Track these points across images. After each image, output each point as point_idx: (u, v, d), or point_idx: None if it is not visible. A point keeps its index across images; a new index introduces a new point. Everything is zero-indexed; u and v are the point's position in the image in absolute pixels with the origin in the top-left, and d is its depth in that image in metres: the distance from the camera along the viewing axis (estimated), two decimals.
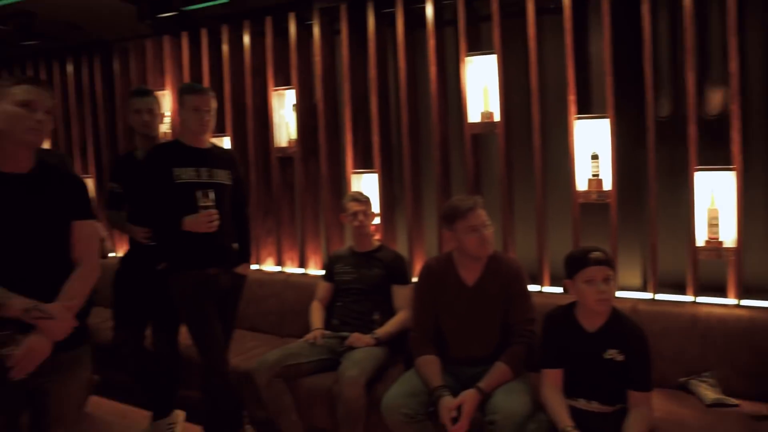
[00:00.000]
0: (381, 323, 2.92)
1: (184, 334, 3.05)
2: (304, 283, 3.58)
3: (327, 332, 2.93)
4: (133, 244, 2.99)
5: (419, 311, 2.52)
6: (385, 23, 3.48)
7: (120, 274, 3.04)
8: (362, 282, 2.99)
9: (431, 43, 3.24)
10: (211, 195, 2.52)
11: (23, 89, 1.71)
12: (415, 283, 2.58)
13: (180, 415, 3.06)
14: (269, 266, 3.98)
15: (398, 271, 3.02)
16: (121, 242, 4.43)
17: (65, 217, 1.81)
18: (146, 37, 4.31)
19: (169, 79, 4.22)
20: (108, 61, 4.63)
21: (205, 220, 2.51)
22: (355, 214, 2.99)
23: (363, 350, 2.74)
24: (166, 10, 3.59)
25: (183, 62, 4.14)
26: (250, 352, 3.24)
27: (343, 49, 3.48)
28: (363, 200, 3.02)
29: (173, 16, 3.64)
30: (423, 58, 3.41)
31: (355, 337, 2.80)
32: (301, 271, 3.84)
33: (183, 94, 2.64)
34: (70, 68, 4.81)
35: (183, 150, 2.65)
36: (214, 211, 2.52)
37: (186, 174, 2.60)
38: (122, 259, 3.08)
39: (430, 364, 2.37)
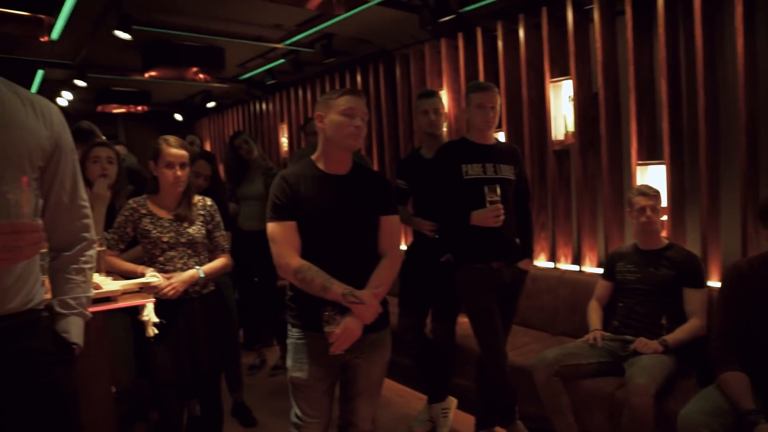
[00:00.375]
0: (668, 329, 2.65)
1: (461, 325, 3.20)
2: (579, 281, 3.44)
3: (607, 334, 2.78)
4: (418, 237, 3.21)
5: (726, 320, 2.19)
6: None
7: (405, 265, 3.29)
8: (648, 282, 2.75)
9: (738, 10, 2.78)
10: (498, 190, 2.58)
11: (345, 99, 1.95)
12: (720, 287, 2.26)
13: (453, 401, 3.19)
14: (542, 262, 3.91)
15: (692, 272, 2.70)
16: (406, 236, 4.78)
17: (376, 212, 2.03)
18: (425, 41, 4.60)
19: (446, 80, 4.43)
20: (391, 68, 5.07)
21: (492, 214, 2.59)
22: (642, 209, 2.76)
23: (650, 357, 2.52)
24: (445, 15, 3.77)
25: (459, 62, 4.30)
26: (524, 347, 3.23)
27: (627, 31, 3.21)
28: (652, 194, 2.76)
29: (451, 19, 3.80)
30: (724, 32, 2.96)
31: (642, 342, 2.58)
32: (575, 268, 3.68)
33: (469, 92, 2.76)
34: (359, 78, 5.41)
35: (470, 147, 2.76)
36: (500, 206, 2.58)
37: (473, 170, 2.70)
38: (407, 251, 3.33)
39: (738, 382, 2.05)
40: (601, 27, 3.36)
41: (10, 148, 1.29)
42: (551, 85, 3.67)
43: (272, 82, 6.01)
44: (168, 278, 2.37)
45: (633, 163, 3.27)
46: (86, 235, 1.55)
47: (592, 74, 3.55)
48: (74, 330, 1.46)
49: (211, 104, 7.53)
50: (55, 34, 4.31)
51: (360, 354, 2.01)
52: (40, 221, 1.17)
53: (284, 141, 6.70)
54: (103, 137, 3.73)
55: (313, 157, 2.06)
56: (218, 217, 2.60)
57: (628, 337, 2.70)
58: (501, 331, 2.73)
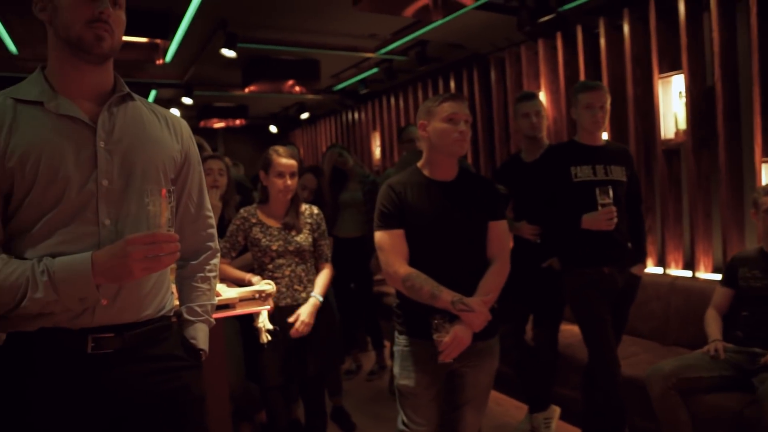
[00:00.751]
0: None
1: (563, 332, 3.07)
2: (693, 288, 3.21)
3: (729, 345, 2.56)
4: (518, 242, 3.13)
5: None
6: None
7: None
8: None
9: None
10: (611, 192, 2.48)
11: (448, 105, 1.94)
12: None
13: (556, 410, 3.07)
14: (650, 267, 3.68)
15: None
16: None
17: (484, 218, 1.99)
18: (520, 43, 4.50)
19: (543, 82, 4.31)
20: (485, 73, 5.00)
21: (605, 217, 2.48)
22: None
23: None
24: (545, 14, 3.67)
25: (558, 63, 4.17)
26: (633, 357, 3.05)
27: (751, 17, 2.97)
28: None
29: (551, 19, 3.70)
30: None
31: None
32: (688, 273, 3.44)
33: (577, 92, 2.66)
34: (452, 84, 5.38)
35: (579, 149, 2.67)
36: (613, 208, 2.48)
37: (583, 172, 2.60)
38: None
39: None
40: (718, 14, 3.14)
41: (152, 162, 1.35)
42: (660, 80, 3.47)
43: (366, 91, 6.10)
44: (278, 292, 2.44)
45: (757, 161, 3.01)
46: (211, 244, 1.60)
47: (707, 66, 3.32)
48: (201, 336, 1.51)
49: (304, 115, 7.76)
50: (168, 56, 4.62)
51: (468, 362, 1.97)
52: (174, 232, 1.22)
53: (377, 149, 6.79)
54: (209, 150, 3.93)
55: (419, 164, 2.06)
56: (324, 226, 2.67)
57: (758, 350, 2.47)
58: (612, 339, 2.59)
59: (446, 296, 1.85)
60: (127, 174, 1.29)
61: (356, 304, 4.20)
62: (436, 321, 1.84)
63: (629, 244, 2.69)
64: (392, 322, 2.10)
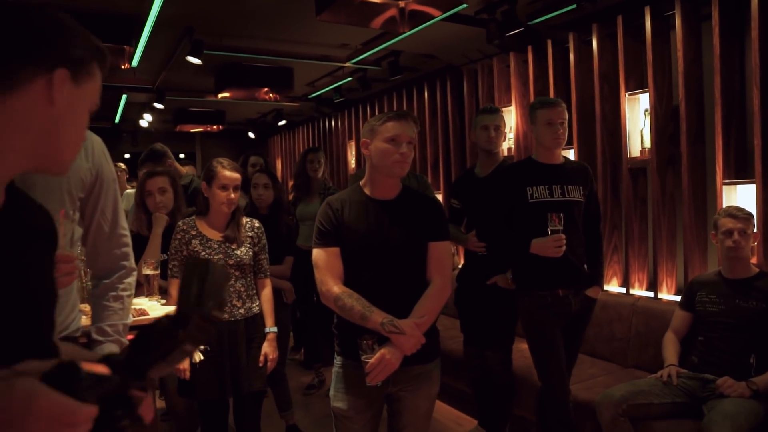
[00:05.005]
0: (757, 369, 2.37)
1: (523, 352, 3.01)
2: (654, 309, 3.17)
3: (683, 371, 2.51)
4: (469, 259, 3.08)
5: None
6: None
7: (459, 291, 3.16)
8: (734, 316, 2.47)
9: None
10: (562, 218, 2.43)
11: (391, 126, 1.88)
12: None
13: None
14: (613, 287, 3.64)
15: None
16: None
17: (424, 238, 1.93)
18: (493, 56, 4.46)
19: (514, 95, 4.27)
20: (458, 84, 4.96)
21: (553, 244, 2.43)
22: (729, 232, 2.49)
23: (735, 401, 2.24)
24: (513, 28, 3.63)
25: (529, 76, 4.14)
26: (590, 380, 2.99)
27: (714, 37, 2.94)
28: (742, 216, 2.49)
29: (520, 32, 3.66)
30: None
31: (728, 383, 2.30)
32: (650, 294, 3.40)
33: (535, 109, 2.61)
34: (426, 94, 5.34)
35: (536, 168, 2.62)
36: (562, 236, 2.42)
37: (539, 192, 2.55)
38: (459, 275, 3.19)
39: None
40: (683, 34, 3.11)
41: (51, 182, 1.32)
42: (627, 98, 3.43)
43: (340, 99, 6.07)
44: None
45: (718, 183, 2.98)
46: (125, 263, 1.57)
47: (673, 86, 3.29)
48: None
49: (281, 122, 7.71)
50: (135, 61, 4.55)
51: (405, 387, 1.90)
52: (76, 252, 1.17)
53: (352, 159, 6.74)
54: (172, 158, 3.86)
55: (361, 182, 2.01)
56: (264, 240, 2.62)
57: (709, 376, 2.42)
58: (564, 365, 2.54)
59: (377, 317, 1.79)
60: None
61: (318, 317, 4.12)
62: (364, 342, 1.78)
63: (585, 266, 2.64)
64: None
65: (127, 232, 1.58)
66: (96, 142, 1.48)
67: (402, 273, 1.90)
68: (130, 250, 1.59)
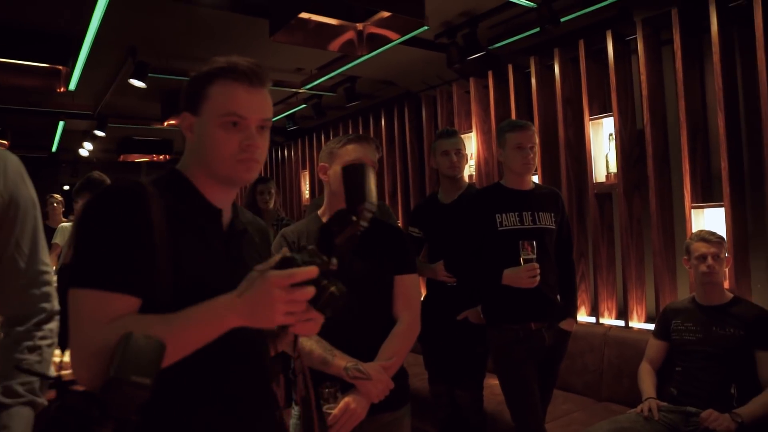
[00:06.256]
0: (739, 400, 2.25)
1: (494, 388, 2.82)
2: (627, 339, 3.06)
3: (663, 404, 2.38)
4: (433, 290, 2.89)
5: None
6: (730, 20, 2.83)
7: (422, 326, 2.94)
8: (711, 344, 2.37)
9: None
10: (534, 247, 2.28)
11: (351, 149, 1.73)
12: None
13: None
14: (582, 316, 3.53)
15: (766, 332, 2.31)
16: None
17: (389, 271, 1.76)
18: (452, 81, 4.39)
19: (475, 121, 4.19)
20: (417, 111, 4.86)
21: (527, 274, 2.28)
22: (702, 257, 2.40)
23: None
24: (474, 52, 3.56)
25: (489, 102, 4.07)
26: (565, 417, 2.84)
27: (676, 61, 2.93)
28: (715, 240, 2.40)
29: (481, 56, 3.59)
30: None
31: (713, 417, 2.17)
32: (620, 323, 3.30)
33: (504, 132, 2.48)
34: (383, 121, 5.22)
35: (505, 194, 2.47)
36: (536, 265, 2.27)
37: (509, 220, 2.40)
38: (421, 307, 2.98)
39: None
40: (645, 58, 3.09)
41: None
42: (590, 123, 3.38)
43: (293, 128, 5.88)
44: None
45: (686, 206, 2.93)
46: (45, 305, 1.30)
47: (636, 110, 3.26)
48: (17, 425, 1.18)
49: None
50: (72, 85, 4.25)
51: None
52: None
53: (306, 189, 6.52)
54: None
55: (320, 211, 1.83)
56: None
57: (692, 409, 2.29)
58: (538, 404, 2.36)
59: (339, 362, 1.60)
60: None
61: (285, 355, 3.85)
62: (326, 390, 1.58)
63: (558, 297, 2.49)
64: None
65: (50, 269, 1.33)
66: (11, 161, 1.25)
67: (366, 310, 1.70)
68: (52, 290, 1.33)
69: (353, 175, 1.06)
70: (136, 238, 0.97)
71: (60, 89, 4.10)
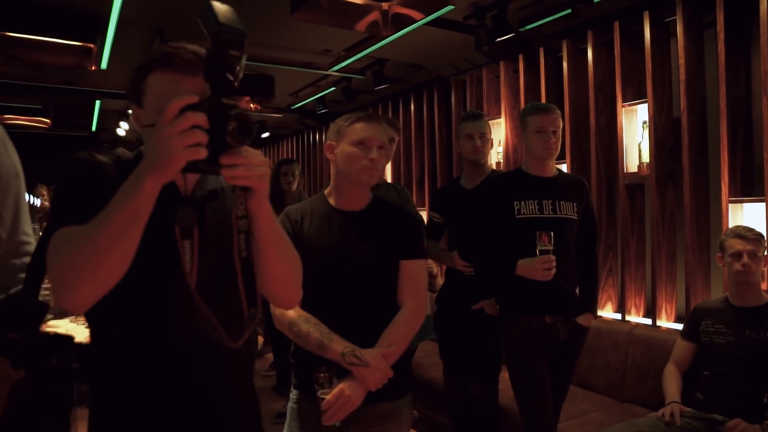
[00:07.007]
0: None
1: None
2: (653, 338, 2.91)
3: (687, 409, 2.24)
4: (451, 278, 2.81)
5: None
6: None
7: (439, 315, 2.88)
8: (744, 348, 2.21)
9: None
10: (552, 237, 2.18)
11: (359, 127, 1.66)
12: None
13: None
14: (608, 312, 3.38)
15: None
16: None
17: (395, 255, 1.68)
18: (482, 66, 4.26)
19: (504, 106, 4.06)
20: (446, 95, 4.75)
21: (541, 266, 2.18)
22: (737, 254, 2.24)
23: None
24: (503, 34, 3.41)
25: (519, 87, 3.92)
26: (582, 417, 2.72)
27: (719, 44, 2.73)
28: (752, 238, 2.24)
29: (510, 39, 3.44)
30: None
31: (741, 427, 2.03)
32: (647, 321, 3.14)
33: (526, 115, 2.37)
34: (412, 106, 5.13)
35: (525, 180, 2.37)
36: (552, 257, 2.17)
37: (527, 208, 2.30)
38: (438, 296, 2.91)
39: None
40: (685, 40, 2.90)
41: None
42: (624, 110, 3.21)
43: (323, 111, 5.84)
44: None
45: (723, 201, 2.74)
46: (24, 276, 1.27)
47: (673, 97, 3.08)
48: None
49: (264, 134, 7.47)
50: (104, 63, 4.29)
51: (370, 426, 1.64)
52: None
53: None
54: None
55: (326, 191, 1.76)
56: None
57: (718, 417, 2.16)
58: (549, 401, 2.27)
59: (336, 346, 1.54)
60: None
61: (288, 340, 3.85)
62: (321, 374, 1.53)
63: (576, 291, 2.38)
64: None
65: (32, 240, 1.31)
66: None
67: (368, 295, 1.65)
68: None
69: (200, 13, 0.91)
70: (90, 194, 1.01)
71: (92, 67, 4.14)
